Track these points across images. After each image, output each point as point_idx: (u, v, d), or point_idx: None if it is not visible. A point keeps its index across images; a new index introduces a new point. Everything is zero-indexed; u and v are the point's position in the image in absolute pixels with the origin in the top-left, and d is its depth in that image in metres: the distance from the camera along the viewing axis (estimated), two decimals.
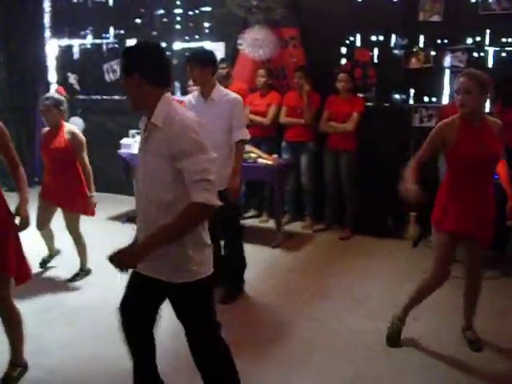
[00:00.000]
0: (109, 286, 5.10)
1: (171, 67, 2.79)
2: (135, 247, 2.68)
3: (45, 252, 5.52)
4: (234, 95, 4.55)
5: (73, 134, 5.00)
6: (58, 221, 5.22)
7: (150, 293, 2.91)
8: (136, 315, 2.97)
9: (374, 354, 3.93)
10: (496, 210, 3.77)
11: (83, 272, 5.35)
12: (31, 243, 5.35)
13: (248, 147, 6.10)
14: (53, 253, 5.63)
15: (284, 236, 6.34)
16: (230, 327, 4.34)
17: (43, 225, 5.29)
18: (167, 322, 3.10)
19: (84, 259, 5.34)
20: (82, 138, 5.05)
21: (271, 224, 6.71)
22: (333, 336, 4.19)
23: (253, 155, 6.03)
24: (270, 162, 5.95)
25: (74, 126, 5.22)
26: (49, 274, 5.47)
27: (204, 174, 2.52)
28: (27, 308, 4.71)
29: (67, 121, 5.18)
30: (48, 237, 5.48)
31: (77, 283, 5.18)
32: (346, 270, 5.52)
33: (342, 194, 6.49)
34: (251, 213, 7.30)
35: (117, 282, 5.26)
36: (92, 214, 5.18)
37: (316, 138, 6.55)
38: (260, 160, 6.00)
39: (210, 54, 4.50)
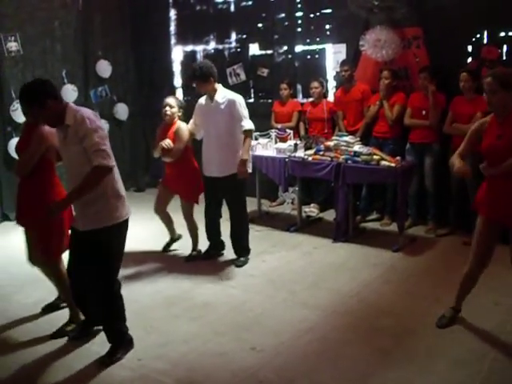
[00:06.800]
0: (231, 284, 5.27)
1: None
2: (58, 201, 3.80)
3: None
4: (231, 96, 5.43)
5: (177, 129, 5.66)
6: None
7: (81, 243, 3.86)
8: (80, 268, 3.90)
9: (503, 366, 3.77)
10: None
11: (195, 252, 5.98)
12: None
13: (371, 149, 6.06)
14: (174, 236, 6.23)
15: (406, 240, 6.21)
16: (348, 330, 4.36)
17: (160, 209, 5.97)
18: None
19: (194, 241, 5.98)
20: (183, 134, 5.63)
21: (393, 227, 6.60)
22: (458, 345, 4.06)
23: (375, 157, 5.95)
24: (392, 164, 5.85)
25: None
26: (175, 268, 5.73)
27: (98, 146, 3.59)
28: (153, 302, 4.95)
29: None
30: (167, 221, 6.09)
31: (199, 281, 5.37)
32: None
33: (467, 197, 6.26)
34: (373, 216, 7.21)
35: (238, 282, 5.43)
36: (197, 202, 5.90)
37: (441, 139, 6.36)
38: (383, 162, 5.90)
39: (198, 73, 5.35)
